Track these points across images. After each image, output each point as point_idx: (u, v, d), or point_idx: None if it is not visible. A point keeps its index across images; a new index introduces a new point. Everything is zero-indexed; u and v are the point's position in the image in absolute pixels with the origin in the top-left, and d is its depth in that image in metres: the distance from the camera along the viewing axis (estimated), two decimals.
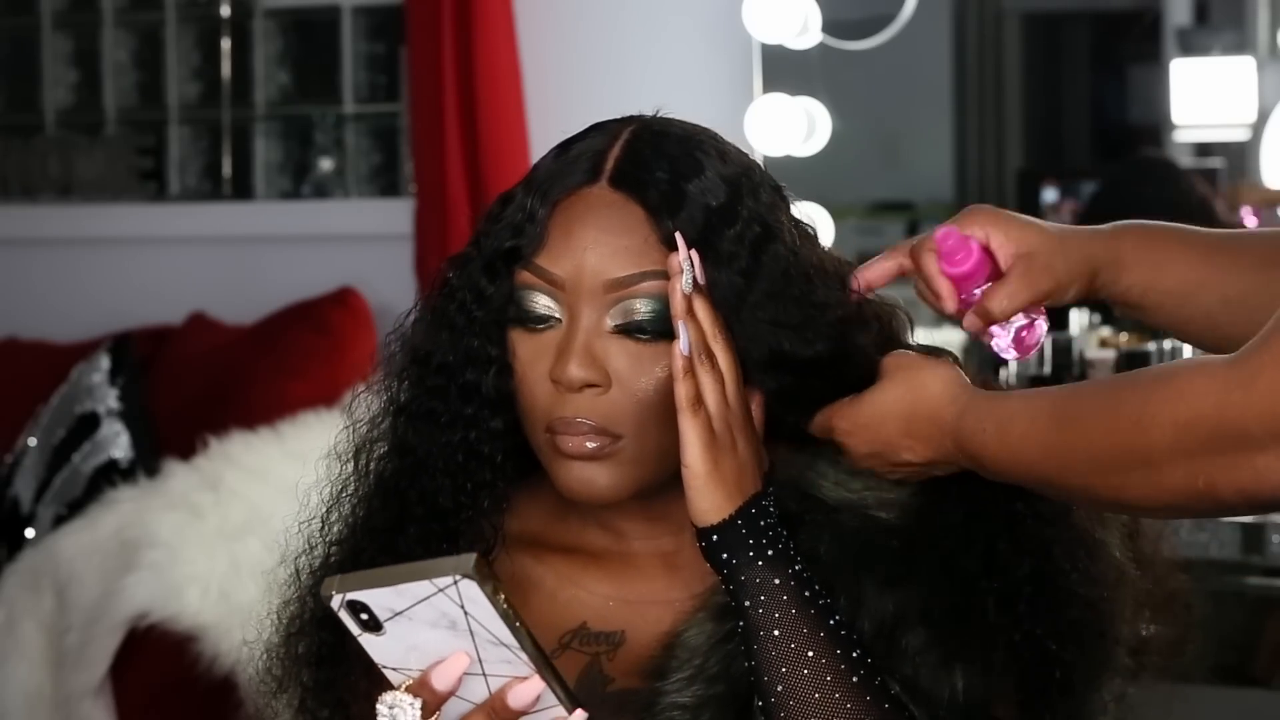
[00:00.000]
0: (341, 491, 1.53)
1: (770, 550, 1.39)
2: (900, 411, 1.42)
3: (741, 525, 1.39)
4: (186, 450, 3.33)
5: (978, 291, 1.44)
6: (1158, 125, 3.75)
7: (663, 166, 1.43)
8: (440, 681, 1.26)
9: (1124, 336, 3.47)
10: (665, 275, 1.40)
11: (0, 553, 3.51)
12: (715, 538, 1.39)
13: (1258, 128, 3.58)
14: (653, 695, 1.43)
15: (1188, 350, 3.26)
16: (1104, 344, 3.42)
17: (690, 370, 1.38)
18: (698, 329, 1.39)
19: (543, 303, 1.43)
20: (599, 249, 1.42)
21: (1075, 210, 3.88)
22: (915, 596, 1.42)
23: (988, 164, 3.90)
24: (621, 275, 1.41)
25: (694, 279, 1.40)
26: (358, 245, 3.90)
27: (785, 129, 3.50)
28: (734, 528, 1.39)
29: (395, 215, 3.84)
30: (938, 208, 3.88)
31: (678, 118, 1.51)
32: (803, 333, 1.43)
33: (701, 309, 1.40)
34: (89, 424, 3.57)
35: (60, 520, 3.43)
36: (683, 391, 1.38)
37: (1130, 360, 3.23)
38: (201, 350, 3.72)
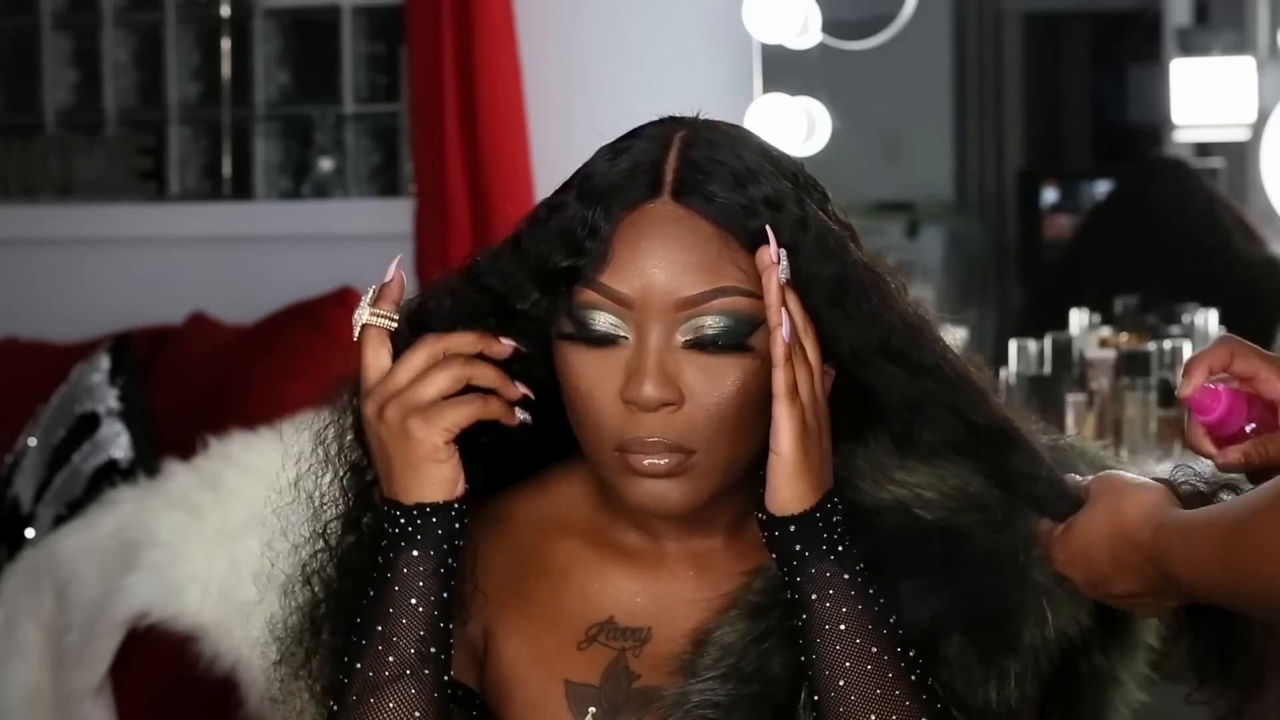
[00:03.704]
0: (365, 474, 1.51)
1: (840, 546, 1.40)
2: (1105, 541, 1.37)
3: (819, 518, 1.39)
4: (186, 450, 3.33)
5: (1248, 428, 1.40)
6: (1158, 125, 3.75)
7: (724, 177, 1.41)
8: None
9: (1124, 337, 3.47)
10: (736, 291, 1.39)
11: (0, 553, 3.51)
12: (793, 528, 1.39)
13: (1258, 128, 3.58)
14: (684, 693, 1.43)
15: (1187, 349, 3.26)
16: (1104, 344, 3.42)
17: (789, 359, 1.38)
18: (791, 321, 1.39)
19: (608, 321, 1.41)
20: (669, 266, 1.40)
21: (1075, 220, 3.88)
22: (953, 603, 1.43)
23: (988, 164, 3.90)
24: (694, 293, 1.40)
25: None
26: (358, 245, 3.89)
27: (785, 129, 3.50)
28: (812, 520, 1.39)
29: (395, 215, 3.84)
30: (938, 208, 3.88)
31: (716, 119, 1.49)
32: (903, 327, 1.42)
33: (793, 302, 1.39)
34: (89, 424, 3.57)
35: (60, 520, 3.43)
36: (783, 379, 1.37)
37: (1130, 360, 3.23)
38: (201, 350, 3.72)
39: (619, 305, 1.41)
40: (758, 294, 1.39)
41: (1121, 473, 1.42)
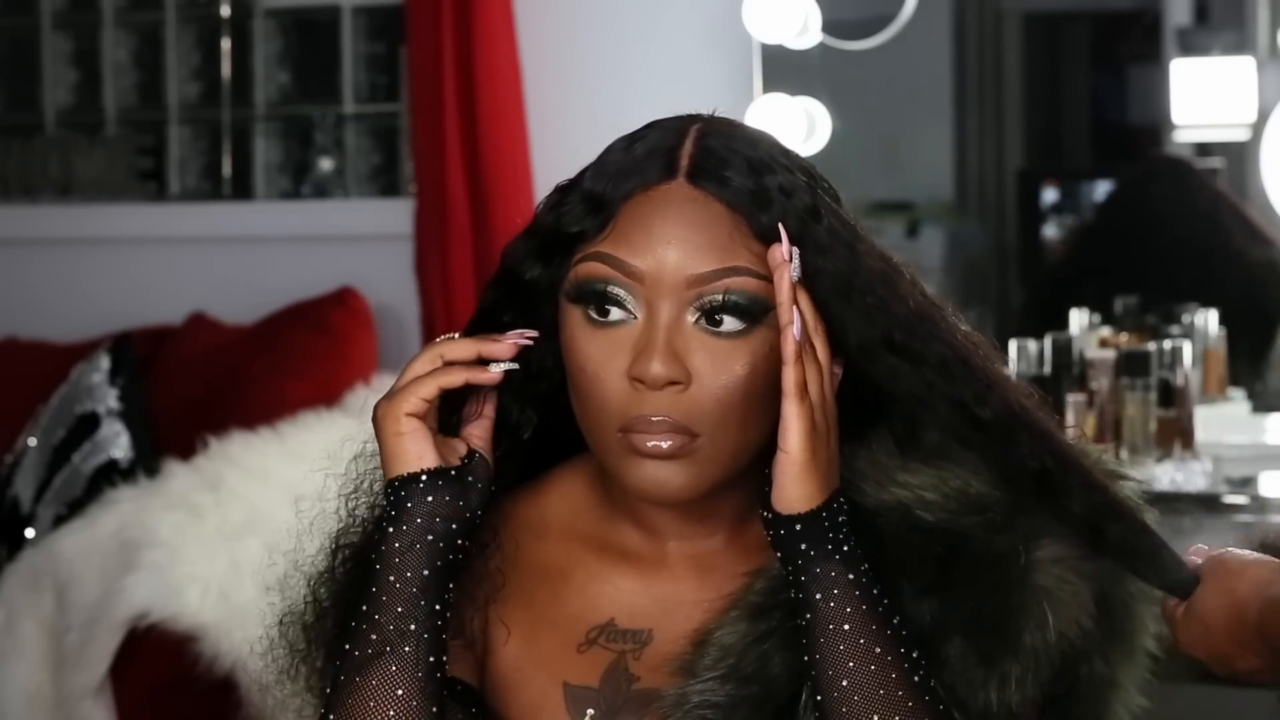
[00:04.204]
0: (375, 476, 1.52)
1: (845, 546, 1.40)
2: (1221, 620, 1.42)
3: (825, 518, 1.39)
4: (186, 450, 3.33)
5: None
6: (1158, 125, 3.75)
7: (740, 164, 1.42)
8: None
9: (1124, 337, 3.47)
10: (747, 272, 1.40)
11: (0, 553, 3.51)
12: (799, 527, 1.39)
13: (1258, 128, 3.58)
14: (683, 693, 1.43)
15: (1188, 349, 3.26)
16: (1104, 344, 3.42)
17: (799, 357, 1.38)
18: (802, 319, 1.39)
19: (618, 295, 1.42)
20: (682, 244, 1.40)
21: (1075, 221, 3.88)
22: (954, 605, 1.43)
23: (988, 164, 3.90)
24: (705, 271, 1.40)
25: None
26: (358, 245, 3.90)
27: (785, 129, 3.50)
28: (818, 519, 1.39)
29: (395, 215, 3.84)
30: (938, 208, 3.88)
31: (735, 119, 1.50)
32: (910, 322, 1.42)
33: (804, 301, 1.40)
34: (89, 424, 3.57)
35: (60, 520, 3.43)
36: (793, 377, 1.38)
37: (1130, 360, 3.23)
38: (201, 350, 3.72)
39: (630, 280, 1.41)
40: (768, 277, 1.40)
41: (1234, 549, 1.45)
